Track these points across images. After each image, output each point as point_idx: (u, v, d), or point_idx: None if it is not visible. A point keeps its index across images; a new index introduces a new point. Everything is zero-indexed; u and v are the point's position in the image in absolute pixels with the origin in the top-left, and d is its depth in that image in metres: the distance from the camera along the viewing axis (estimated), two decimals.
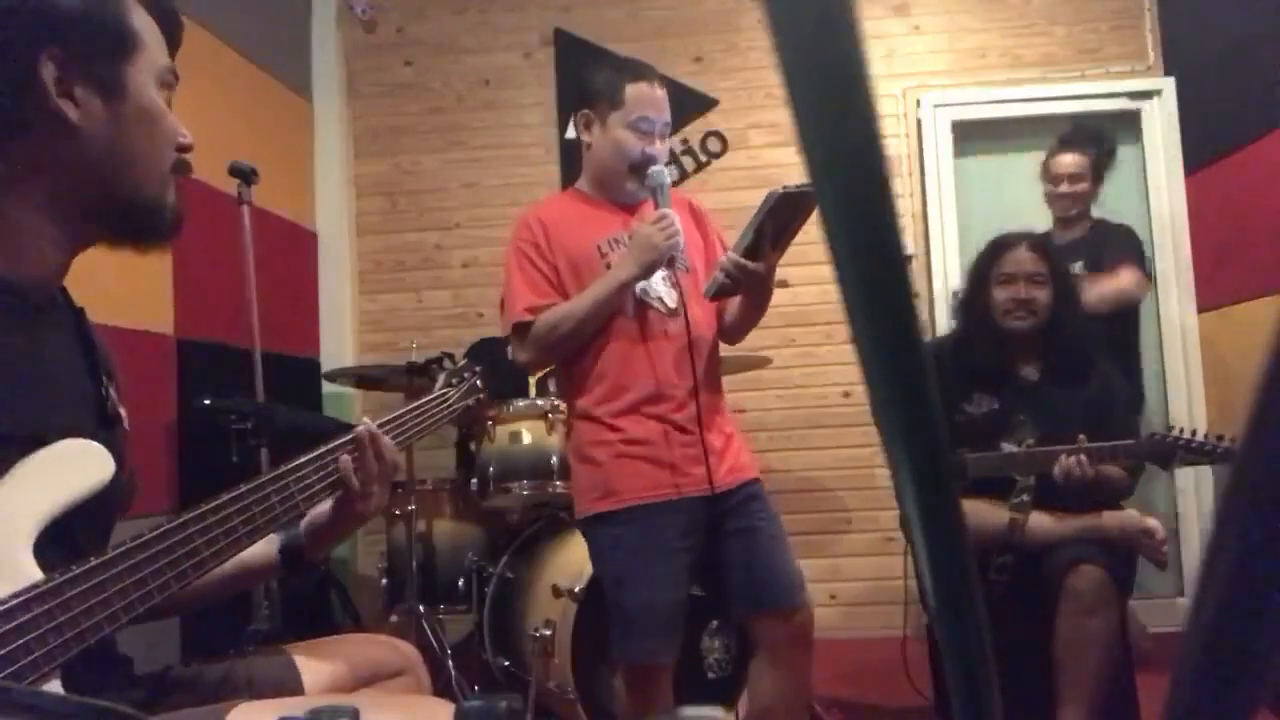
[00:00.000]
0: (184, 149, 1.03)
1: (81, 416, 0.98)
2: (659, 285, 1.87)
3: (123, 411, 1.06)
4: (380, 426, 1.21)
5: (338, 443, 1.15)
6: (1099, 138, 3.15)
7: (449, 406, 1.44)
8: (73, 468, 0.90)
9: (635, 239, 1.80)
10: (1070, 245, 3.08)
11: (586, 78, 1.96)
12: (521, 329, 1.86)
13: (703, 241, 1.99)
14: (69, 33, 0.90)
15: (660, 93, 1.90)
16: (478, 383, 1.54)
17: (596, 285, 1.81)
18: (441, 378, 1.51)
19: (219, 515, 0.96)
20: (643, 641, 1.81)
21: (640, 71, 1.90)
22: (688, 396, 1.84)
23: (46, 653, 0.78)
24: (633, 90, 1.86)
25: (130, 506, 1.07)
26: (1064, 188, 3.07)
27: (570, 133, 3.99)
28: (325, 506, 1.17)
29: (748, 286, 1.82)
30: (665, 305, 1.86)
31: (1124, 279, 3.02)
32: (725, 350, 2.05)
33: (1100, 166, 3.11)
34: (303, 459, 1.10)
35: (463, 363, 1.59)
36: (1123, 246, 3.10)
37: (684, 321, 1.85)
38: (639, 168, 1.86)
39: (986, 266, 2.24)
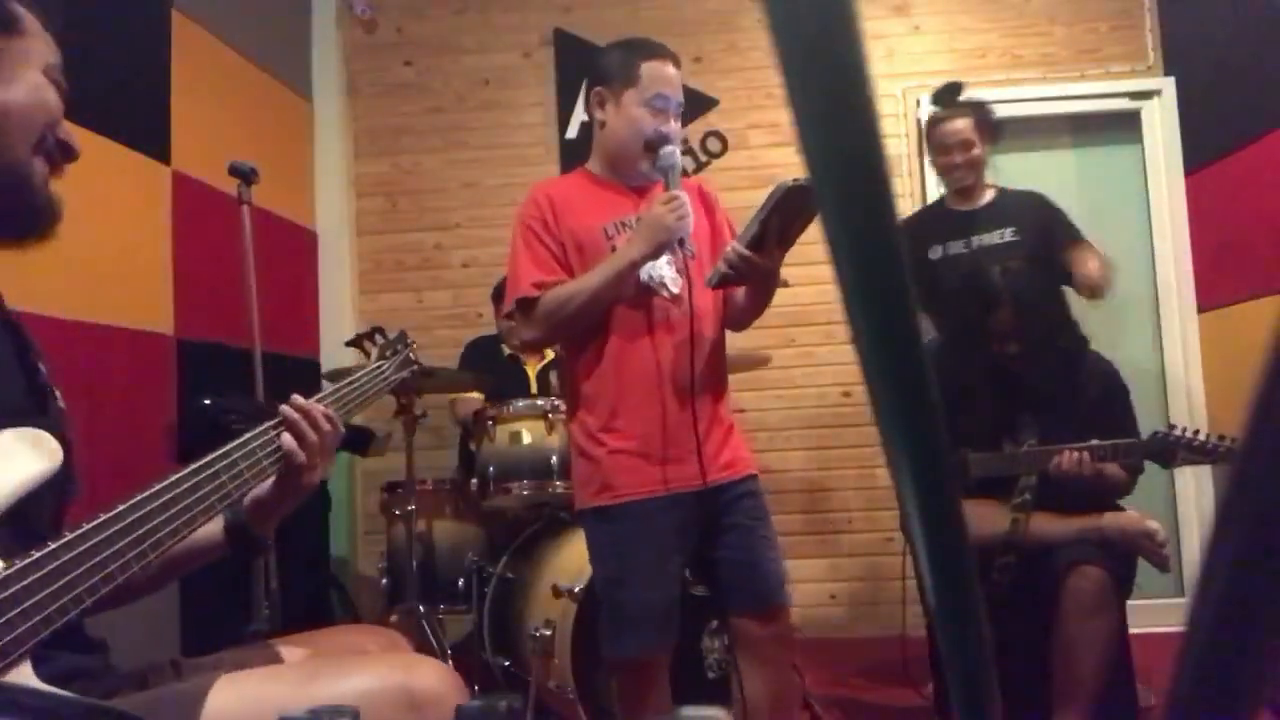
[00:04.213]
0: (65, 145, 1.04)
1: (14, 397, 0.98)
2: (664, 270, 1.84)
3: (57, 390, 1.06)
4: (317, 401, 1.22)
5: (271, 423, 1.16)
6: (976, 102, 2.89)
7: (385, 378, 1.46)
8: (23, 455, 0.90)
9: (645, 219, 1.79)
10: (983, 213, 2.86)
11: (601, 57, 1.95)
12: (527, 305, 1.84)
13: (710, 228, 1.96)
14: None
15: (675, 72, 1.88)
16: (410, 355, 1.55)
17: (605, 264, 1.79)
18: (375, 351, 1.51)
19: (173, 494, 0.96)
20: (633, 636, 1.81)
21: (656, 50, 1.88)
22: (686, 387, 1.82)
23: (14, 639, 0.78)
24: (648, 68, 1.85)
25: (76, 492, 1.06)
26: (958, 157, 2.83)
27: (571, 132, 4.01)
28: (269, 482, 1.18)
29: (750, 279, 1.80)
30: (670, 291, 1.84)
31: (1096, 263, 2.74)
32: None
33: (986, 127, 2.85)
34: (246, 436, 1.10)
35: (395, 335, 1.59)
36: (1063, 225, 2.85)
37: (687, 309, 1.82)
38: (654, 146, 1.84)
39: (979, 320, 2.20)
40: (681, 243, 1.78)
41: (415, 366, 1.55)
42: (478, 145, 4.06)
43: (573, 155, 3.98)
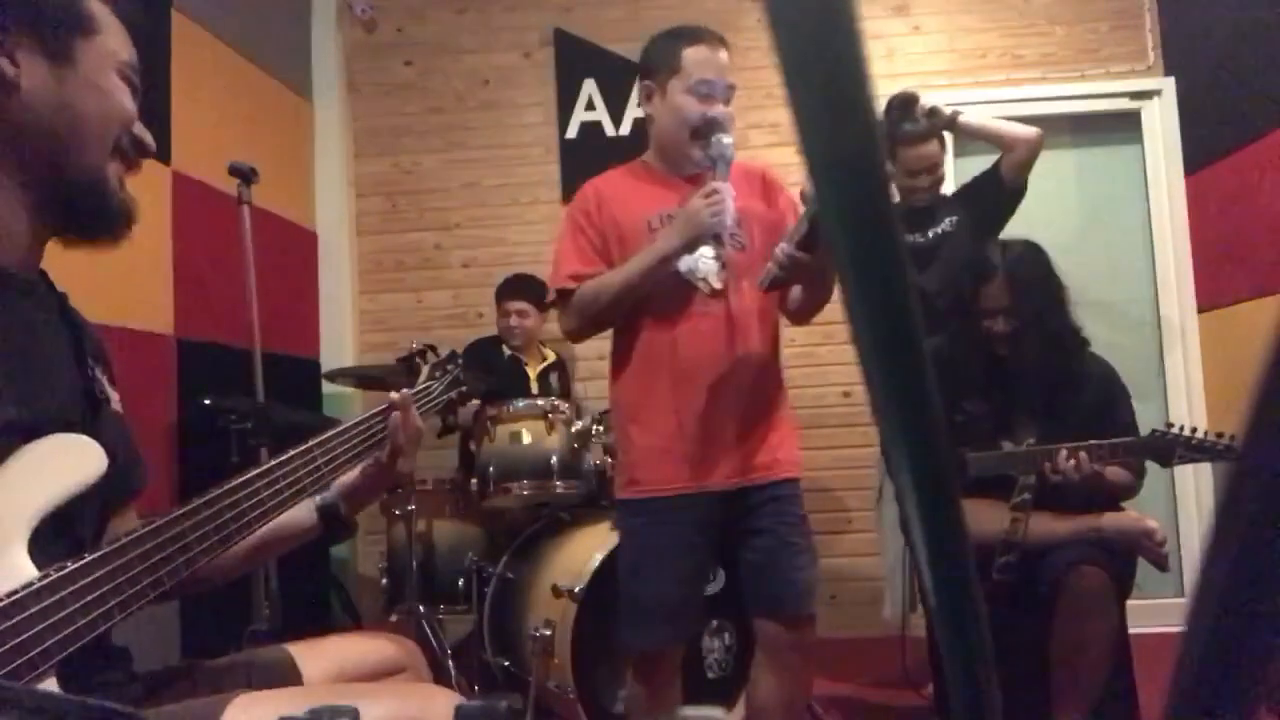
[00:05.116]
0: (140, 143, 1.04)
1: (70, 402, 0.98)
2: (706, 264, 1.80)
3: (113, 395, 1.06)
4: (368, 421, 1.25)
5: (311, 444, 1.15)
6: (940, 123, 2.86)
7: (432, 399, 1.46)
8: (65, 462, 0.90)
9: (682, 212, 1.76)
10: (934, 207, 2.90)
11: (646, 49, 1.92)
12: (565, 296, 1.86)
13: (771, 218, 1.91)
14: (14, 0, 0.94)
15: (721, 55, 1.85)
16: (459, 375, 1.56)
17: (638, 257, 1.78)
18: (425, 370, 1.52)
19: (211, 510, 0.97)
20: (642, 628, 1.81)
21: (698, 35, 1.85)
22: (722, 384, 1.79)
23: (43, 651, 0.78)
24: (690, 54, 1.83)
25: (139, 491, 1.08)
26: (924, 180, 2.85)
27: (571, 132, 4.01)
28: (356, 471, 1.23)
29: (803, 278, 1.76)
30: (710, 286, 1.81)
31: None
32: None
33: (944, 143, 2.89)
34: (291, 452, 1.11)
35: (445, 355, 1.60)
36: (981, 174, 2.94)
37: (730, 303, 1.79)
38: (701, 132, 1.81)
39: (971, 295, 2.20)
40: (718, 238, 1.73)
41: (463, 388, 1.56)
42: (478, 145, 4.06)
43: (573, 155, 3.98)
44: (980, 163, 3.90)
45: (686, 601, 1.82)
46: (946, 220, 2.89)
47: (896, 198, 2.96)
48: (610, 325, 1.88)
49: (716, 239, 1.73)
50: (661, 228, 1.83)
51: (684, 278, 1.80)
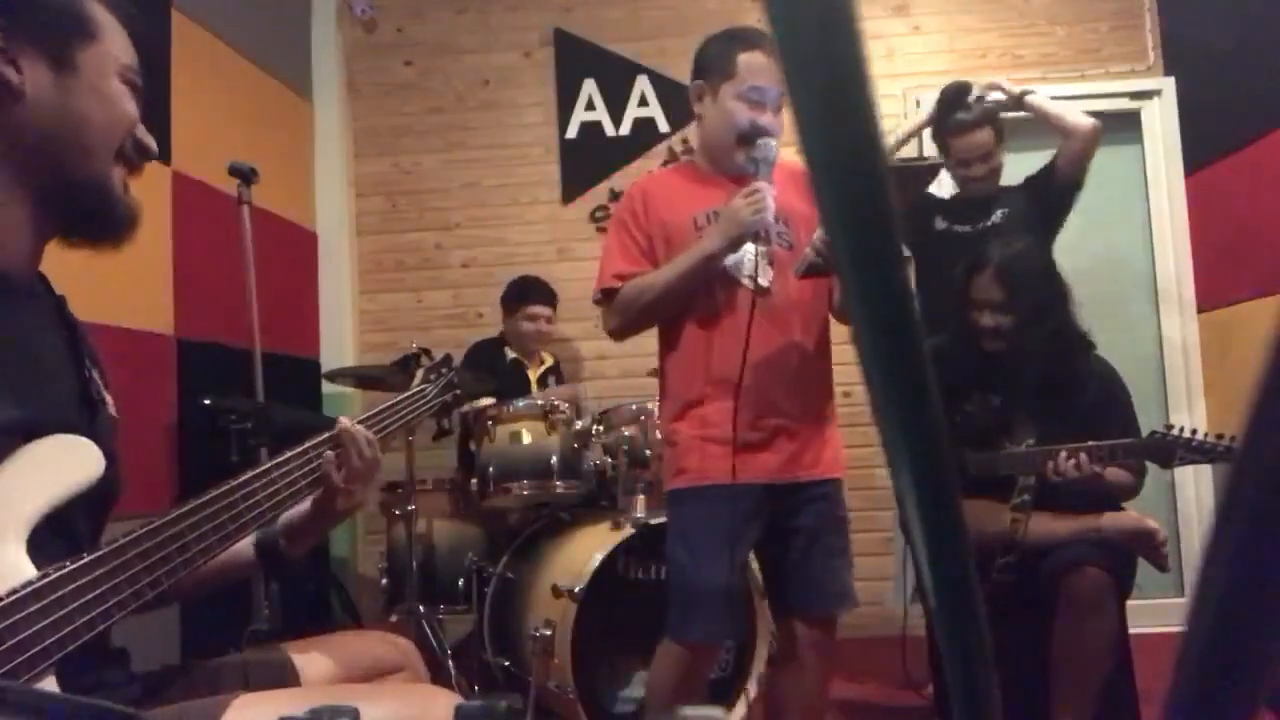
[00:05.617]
0: (142, 146, 1.04)
1: (67, 404, 0.99)
2: (751, 262, 1.80)
3: (108, 398, 1.07)
4: (359, 423, 1.22)
5: (321, 439, 1.16)
6: (991, 109, 2.82)
7: (427, 402, 1.46)
8: (64, 463, 0.90)
9: (725, 211, 1.77)
10: (990, 199, 2.85)
11: (701, 50, 1.92)
12: (609, 295, 1.87)
13: (815, 215, 1.91)
14: (15, 5, 0.93)
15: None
16: (454, 379, 1.55)
17: (682, 257, 1.79)
18: (420, 374, 1.52)
19: (209, 511, 0.97)
20: (692, 621, 1.81)
21: (754, 40, 1.84)
22: (767, 381, 1.79)
23: (42, 650, 0.78)
24: (745, 59, 1.82)
25: (119, 498, 1.08)
26: (979, 169, 2.80)
27: (571, 132, 4.01)
28: (305, 504, 1.19)
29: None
30: (756, 283, 1.79)
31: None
32: None
33: (1000, 132, 2.82)
34: (287, 454, 1.11)
35: (439, 358, 1.60)
36: (1037, 172, 2.91)
37: (778, 301, 1.78)
38: (748, 138, 1.81)
39: (964, 285, 2.20)
40: (758, 236, 1.73)
41: (458, 390, 1.55)
42: (478, 145, 4.06)
43: (573, 155, 3.98)
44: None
45: (723, 593, 1.80)
46: (999, 213, 2.82)
47: (950, 188, 2.93)
48: (653, 324, 1.89)
49: (761, 237, 1.73)
50: (707, 225, 1.83)
51: (730, 276, 1.81)
